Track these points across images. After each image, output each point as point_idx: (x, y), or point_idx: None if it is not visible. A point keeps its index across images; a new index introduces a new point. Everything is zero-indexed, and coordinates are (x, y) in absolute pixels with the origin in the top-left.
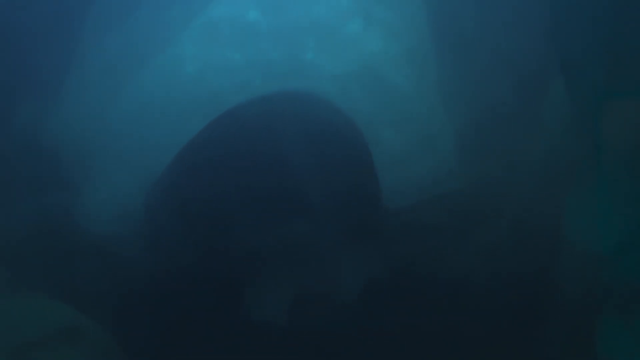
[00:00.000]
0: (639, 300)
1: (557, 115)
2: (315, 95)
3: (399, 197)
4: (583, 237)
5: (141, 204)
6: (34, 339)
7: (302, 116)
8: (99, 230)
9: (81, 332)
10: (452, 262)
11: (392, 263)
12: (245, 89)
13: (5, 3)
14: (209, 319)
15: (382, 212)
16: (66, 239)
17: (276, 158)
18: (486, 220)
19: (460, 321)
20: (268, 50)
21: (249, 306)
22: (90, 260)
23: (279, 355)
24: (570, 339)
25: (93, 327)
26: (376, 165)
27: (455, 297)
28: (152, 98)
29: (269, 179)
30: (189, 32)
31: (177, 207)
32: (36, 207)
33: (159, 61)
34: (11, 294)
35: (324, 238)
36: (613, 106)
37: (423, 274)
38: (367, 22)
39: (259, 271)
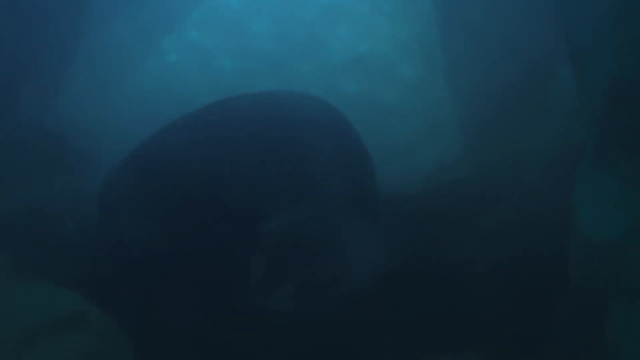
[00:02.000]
0: None
1: (564, 103)
2: (301, 92)
3: (405, 186)
4: (591, 223)
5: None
6: (37, 326)
7: (292, 111)
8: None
9: (85, 319)
10: (458, 250)
11: (397, 251)
12: (251, 74)
13: None
14: (215, 306)
15: (389, 201)
16: (71, 225)
17: (271, 146)
18: (493, 208)
19: (467, 308)
20: (272, 38)
21: (254, 293)
22: (96, 246)
23: (285, 342)
24: (579, 326)
25: (98, 315)
26: (381, 153)
27: (462, 285)
28: (158, 84)
29: (268, 164)
30: (195, 18)
31: (178, 192)
32: (41, 193)
33: (165, 47)
34: (15, 281)
35: (326, 226)
36: (621, 93)
37: (429, 262)
38: (373, 9)
39: (262, 257)
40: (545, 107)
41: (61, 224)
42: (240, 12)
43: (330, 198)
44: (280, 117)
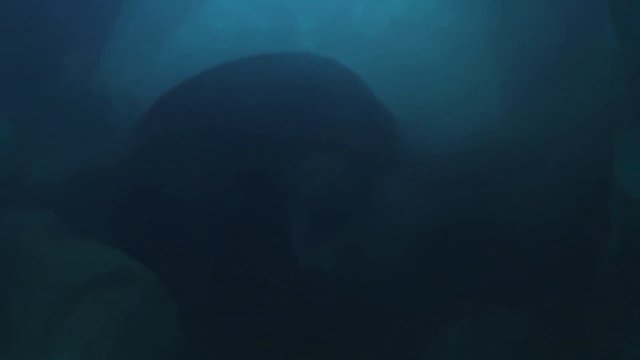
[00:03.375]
0: None
1: (605, 61)
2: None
3: (445, 147)
4: (630, 181)
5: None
6: (82, 283)
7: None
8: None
9: (129, 276)
10: (498, 211)
11: (438, 212)
12: (286, 39)
13: None
14: (255, 262)
15: (429, 162)
16: (113, 185)
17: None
18: (534, 168)
19: (507, 268)
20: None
21: (296, 252)
22: (137, 204)
23: (323, 303)
24: (617, 285)
25: (141, 271)
26: (421, 114)
27: (502, 246)
28: (196, 47)
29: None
30: None
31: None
32: (84, 153)
33: (202, 11)
34: (59, 239)
35: (361, 185)
36: None
37: (470, 222)
38: None
39: (303, 216)
40: (586, 67)
41: (104, 183)
42: None
43: (359, 157)
44: (298, 80)
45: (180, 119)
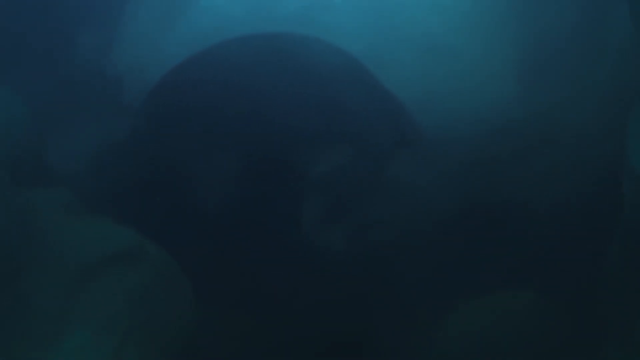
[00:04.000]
0: None
1: (620, 41)
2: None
3: (459, 127)
4: None
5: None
6: (96, 261)
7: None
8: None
9: (143, 255)
10: (511, 192)
11: (451, 194)
12: (302, 16)
13: None
14: (268, 244)
15: (443, 143)
16: (127, 164)
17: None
18: (547, 150)
19: (520, 250)
20: None
21: (306, 233)
22: (151, 183)
23: (336, 283)
24: (631, 267)
25: (155, 250)
26: (435, 95)
27: (515, 227)
28: (210, 26)
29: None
30: None
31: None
32: (98, 132)
33: None
34: (73, 218)
35: (371, 166)
36: None
37: (483, 202)
38: None
39: (313, 198)
40: (600, 49)
41: (119, 162)
42: None
43: (368, 139)
44: (306, 61)
45: (189, 96)
